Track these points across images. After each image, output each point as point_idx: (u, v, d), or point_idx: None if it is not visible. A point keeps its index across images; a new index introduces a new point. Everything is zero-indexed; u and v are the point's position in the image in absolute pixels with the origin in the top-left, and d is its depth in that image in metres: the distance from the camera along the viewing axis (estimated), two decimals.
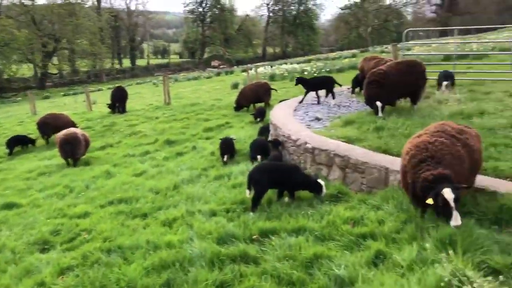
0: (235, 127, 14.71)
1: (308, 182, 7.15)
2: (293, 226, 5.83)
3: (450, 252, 3.91)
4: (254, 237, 5.71)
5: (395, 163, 6.46)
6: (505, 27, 33.89)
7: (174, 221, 6.93)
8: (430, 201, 4.50)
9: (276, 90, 16.88)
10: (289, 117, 10.81)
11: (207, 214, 6.93)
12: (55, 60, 69.39)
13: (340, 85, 14.17)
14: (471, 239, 4.42)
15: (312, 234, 5.57)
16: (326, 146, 8.10)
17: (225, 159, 10.27)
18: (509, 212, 5.31)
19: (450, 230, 4.42)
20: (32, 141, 17.70)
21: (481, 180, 5.95)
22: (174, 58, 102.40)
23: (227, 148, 10.38)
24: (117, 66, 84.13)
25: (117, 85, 27.74)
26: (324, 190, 7.04)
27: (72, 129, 14.04)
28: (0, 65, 59.21)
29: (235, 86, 27.21)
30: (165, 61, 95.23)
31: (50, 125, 17.85)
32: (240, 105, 16.75)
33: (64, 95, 52.74)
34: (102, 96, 35.62)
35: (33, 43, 60.82)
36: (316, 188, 7.10)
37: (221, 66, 66.49)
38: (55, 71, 70.44)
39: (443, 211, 4.48)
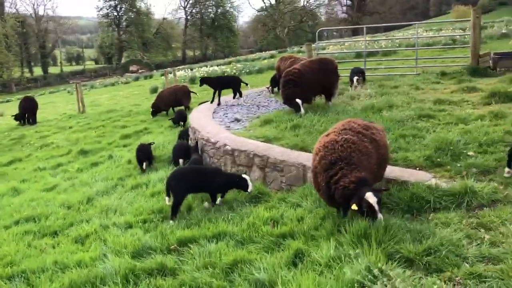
0: (154, 132, 14.25)
1: (232, 181, 7.01)
2: (213, 232, 5.64)
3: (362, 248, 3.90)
4: (172, 247, 5.45)
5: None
6: (410, 24, 36.11)
7: (86, 237, 6.49)
8: (354, 207, 4.52)
9: (195, 93, 16.58)
10: (208, 120, 10.62)
11: (123, 227, 6.56)
12: None
13: (247, 84, 14.27)
14: (385, 231, 4.51)
15: (233, 239, 5.43)
16: (245, 147, 8.02)
17: (144, 166, 9.85)
18: (419, 200, 5.51)
19: (365, 223, 4.47)
20: None
21: (392, 171, 6.15)
22: (90, 64, 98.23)
23: (144, 155, 9.97)
24: (28, 75, 79.00)
25: (26, 95, 26.01)
26: (251, 185, 6.94)
27: None
28: None
29: (154, 90, 26.50)
30: (80, 67, 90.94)
31: None
32: (158, 109, 16.24)
33: None
34: (12, 107, 33.09)
35: None
36: (242, 185, 6.97)
37: (140, 71, 64.63)
38: None
39: (367, 214, 4.53)
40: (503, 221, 4.85)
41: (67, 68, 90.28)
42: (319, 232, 5.01)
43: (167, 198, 6.87)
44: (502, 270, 3.85)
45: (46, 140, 16.74)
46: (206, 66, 39.05)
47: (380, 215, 4.49)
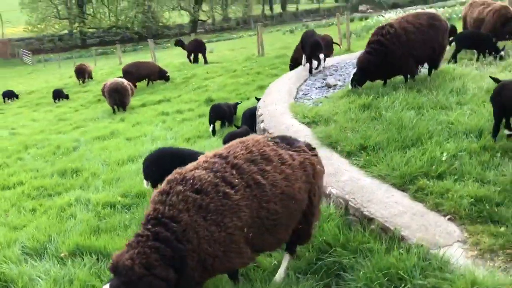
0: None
1: None
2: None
3: None
4: (62, 254, 4.38)
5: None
6: None
7: (62, 209, 5.89)
8: None
9: (339, 44, 14.17)
10: (287, 81, 8.69)
11: (97, 205, 5.75)
12: (206, 7, 71.85)
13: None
14: None
15: None
16: (273, 128, 6.16)
17: (210, 128, 8.80)
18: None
19: None
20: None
21: (404, 223, 3.62)
22: (329, 3, 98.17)
23: (216, 115, 8.88)
24: (268, 12, 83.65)
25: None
26: None
27: (119, 79, 14.13)
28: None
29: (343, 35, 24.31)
30: (315, 6, 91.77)
31: (132, 74, 18.10)
32: (295, 63, 14.40)
33: (208, 41, 54.55)
34: (223, 45, 35.57)
35: None
36: None
37: (368, 11, 61.41)
38: (205, 17, 72.91)
39: None
40: None
41: (304, 6, 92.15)
42: None
43: (145, 182, 5.74)
44: None
45: (204, 82, 17.02)
46: (435, 7, 33.52)
47: None
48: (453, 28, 11.40)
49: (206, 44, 25.79)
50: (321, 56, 8.46)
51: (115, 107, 13.83)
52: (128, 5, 62.83)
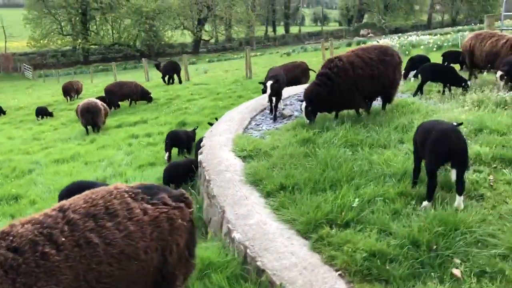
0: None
1: None
2: None
3: None
4: None
5: None
6: None
7: None
8: None
9: (314, 71, 14.09)
10: (244, 109, 8.51)
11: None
12: (209, 27, 72.45)
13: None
14: None
15: None
16: (205, 161, 5.93)
17: (165, 156, 8.58)
18: None
19: None
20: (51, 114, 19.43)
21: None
22: (333, 26, 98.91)
23: (172, 142, 8.68)
24: (272, 34, 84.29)
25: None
26: None
27: (92, 99, 14.05)
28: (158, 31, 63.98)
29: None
30: (318, 29, 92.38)
31: (115, 93, 18.05)
32: None
33: (209, 61, 54.84)
34: (220, 66, 35.62)
35: (185, 11, 64.40)
36: None
37: (369, 35, 61.69)
38: (207, 37, 73.39)
39: None
40: None
41: (307, 29, 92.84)
42: None
43: None
44: None
45: (185, 104, 16.86)
46: (436, 34, 33.25)
47: None
48: (425, 58, 11.21)
49: (207, 64, 25.91)
50: (268, 83, 8.11)
51: (89, 127, 13.68)
52: (131, 23, 63.43)
